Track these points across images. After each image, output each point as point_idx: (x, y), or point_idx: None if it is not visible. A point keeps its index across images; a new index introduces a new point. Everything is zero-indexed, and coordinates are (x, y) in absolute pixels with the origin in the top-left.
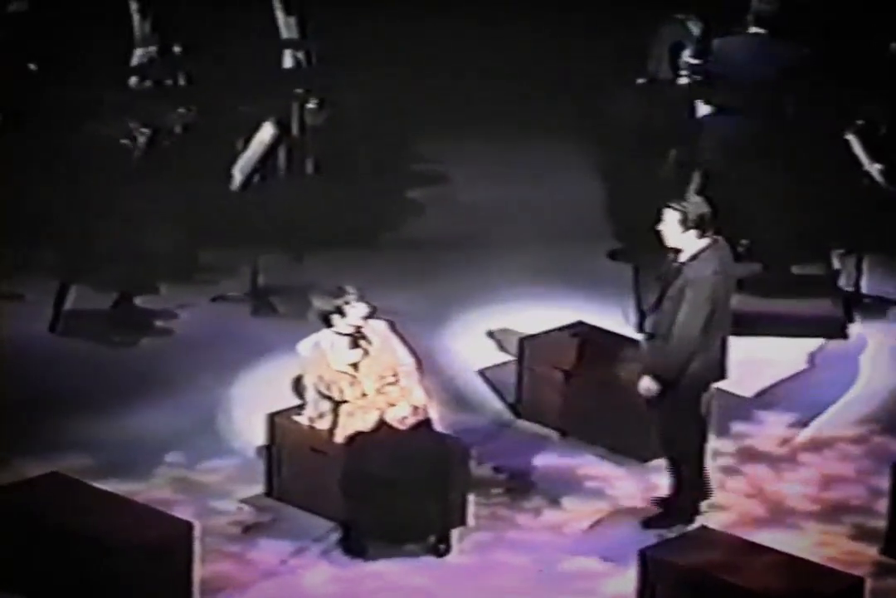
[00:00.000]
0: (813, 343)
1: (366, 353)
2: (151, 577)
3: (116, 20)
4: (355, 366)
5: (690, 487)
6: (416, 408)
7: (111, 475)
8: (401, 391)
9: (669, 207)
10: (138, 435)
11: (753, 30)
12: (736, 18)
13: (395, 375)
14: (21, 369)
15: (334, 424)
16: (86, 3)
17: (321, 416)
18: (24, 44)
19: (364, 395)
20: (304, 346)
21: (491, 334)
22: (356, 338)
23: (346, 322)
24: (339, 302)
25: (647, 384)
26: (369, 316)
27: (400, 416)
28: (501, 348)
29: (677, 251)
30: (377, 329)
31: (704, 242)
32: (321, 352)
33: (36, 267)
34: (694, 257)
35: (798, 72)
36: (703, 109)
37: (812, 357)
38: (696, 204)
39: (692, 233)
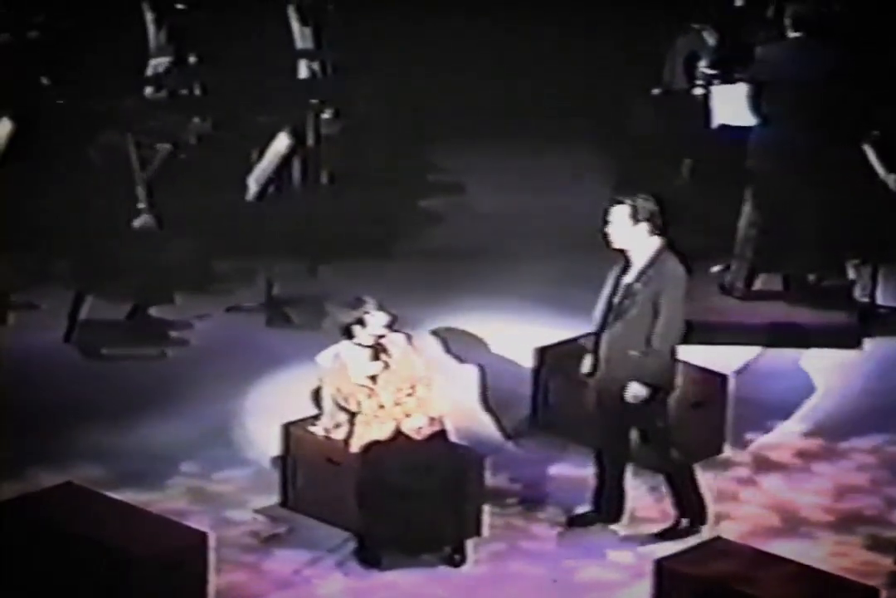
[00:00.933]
0: (824, 353)
1: (386, 366)
2: (166, 587)
3: (132, 30)
4: (374, 378)
5: (691, 494)
6: (432, 419)
7: (126, 485)
8: (417, 402)
9: (617, 202)
10: (153, 445)
11: (793, 34)
12: (751, 28)
13: (412, 386)
14: (36, 379)
15: (350, 434)
16: (101, 14)
17: (337, 426)
18: (40, 53)
19: (381, 407)
20: (324, 357)
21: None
22: (377, 350)
23: (367, 332)
24: (358, 313)
25: (635, 391)
26: (390, 325)
27: (416, 426)
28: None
29: (624, 252)
30: (397, 342)
31: (658, 241)
32: (341, 363)
33: (51, 277)
34: (657, 257)
35: (840, 74)
36: (717, 119)
37: (824, 367)
38: (644, 198)
39: (643, 228)
